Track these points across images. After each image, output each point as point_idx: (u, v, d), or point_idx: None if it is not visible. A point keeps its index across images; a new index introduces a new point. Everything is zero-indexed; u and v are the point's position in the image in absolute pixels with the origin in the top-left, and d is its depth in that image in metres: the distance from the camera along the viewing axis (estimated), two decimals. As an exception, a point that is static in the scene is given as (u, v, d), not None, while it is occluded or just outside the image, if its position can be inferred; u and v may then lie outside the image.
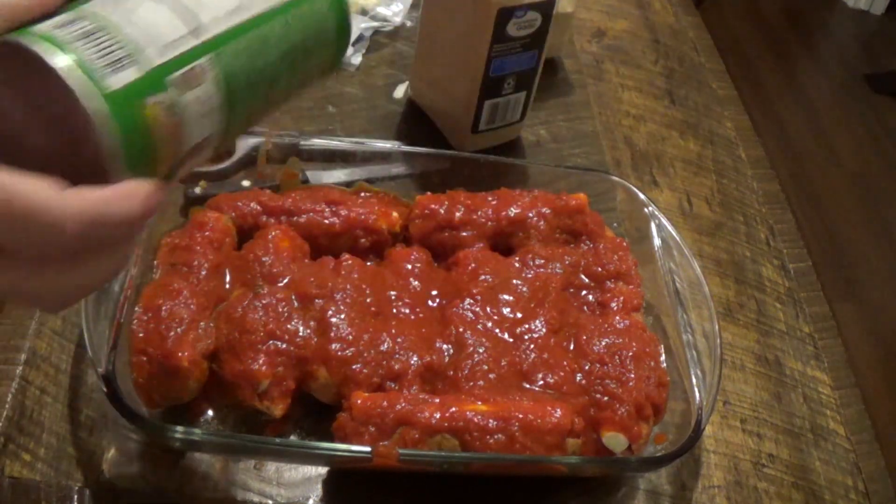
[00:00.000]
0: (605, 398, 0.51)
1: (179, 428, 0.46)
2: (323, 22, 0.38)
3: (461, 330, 0.54)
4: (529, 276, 0.58)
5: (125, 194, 0.30)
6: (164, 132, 0.31)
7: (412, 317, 0.55)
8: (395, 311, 0.55)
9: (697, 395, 0.52)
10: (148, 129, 0.30)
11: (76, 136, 0.29)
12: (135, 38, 0.30)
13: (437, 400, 0.49)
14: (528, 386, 0.52)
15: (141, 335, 0.49)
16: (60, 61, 0.29)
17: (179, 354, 0.49)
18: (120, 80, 0.29)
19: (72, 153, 0.30)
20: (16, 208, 0.27)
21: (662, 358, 0.55)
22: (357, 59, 0.83)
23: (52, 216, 0.28)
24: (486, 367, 0.52)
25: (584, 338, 0.54)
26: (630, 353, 0.53)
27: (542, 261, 0.59)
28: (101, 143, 0.29)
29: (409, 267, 0.58)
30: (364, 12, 0.88)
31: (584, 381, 0.52)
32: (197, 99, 0.32)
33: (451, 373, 0.52)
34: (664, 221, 0.62)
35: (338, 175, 0.66)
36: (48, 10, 0.30)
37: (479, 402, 0.49)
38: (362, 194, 0.63)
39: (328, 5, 0.38)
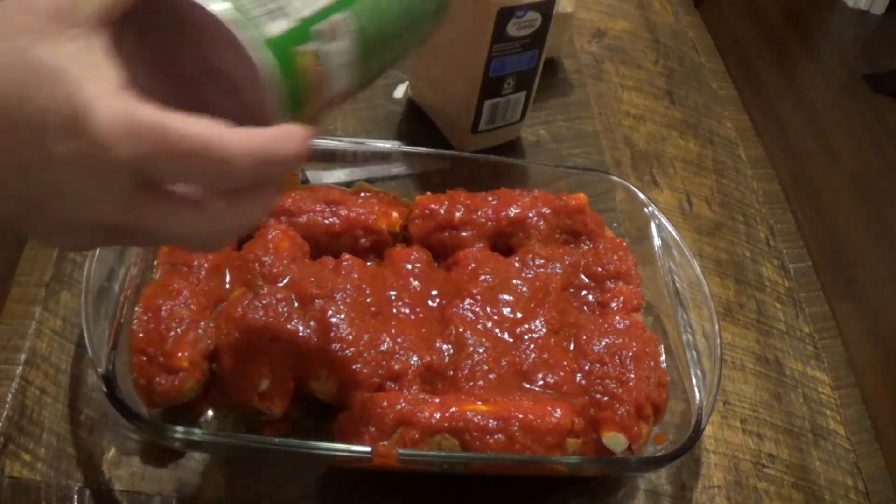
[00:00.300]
0: (605, 398, 0.51)
1: (179, 428, 0.46)
2: None
3: (461, 330, 0.54)
4: (529, 276, 0.58)
5: (287, 134, 0.31)
6: (313, 79, 0.34)
7: (412, 317, 0.55)
8: (395, 311, 0.55)
9: (697, 395, 0.52)
10: (301, 75, 0.33)
11: (238, 83, 0.32)
12: None
13: (437, 400, 0.49)
14: (528, 386, 0.52)
15: (141, 335, 0.49)
16: (224, 12, 0.31)
17: (179, 354, 0.49)
18: (276, 28, 0.32)
19: (232, 100, 0.32)
20: (187, 145, 0.29)
21: (662, 358, 0.55)
22: (357, 59, 0.83)
23: (224, 152, 0.29)
24: (486, 367, 0.52)
25: (584, 338, 0.54)
26: (630, 353, 0.53)
27: (542, 261, 0.59)
28: (264, 88, 0.31)
29: (409, 267, 0.58)
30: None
31: (584, 381, 0.52)
32: (338, 51, 0.35)
33: (451, 373, 0.52)
34: (664, 221, 0.62)
35: (338, 175, 0.66)
36: None
37: (479, 402, 0.49)
38: (362, 194, 0.63)
39: None
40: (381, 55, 0.39)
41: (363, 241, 0.60)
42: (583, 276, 0.60)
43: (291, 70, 0.32)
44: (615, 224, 0.66)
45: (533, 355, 0.53)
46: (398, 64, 0.42)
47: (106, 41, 0.30)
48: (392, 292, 0.56)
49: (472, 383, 0.51)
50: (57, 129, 0.28)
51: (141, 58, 0.33)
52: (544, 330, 0.54)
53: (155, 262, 0.55)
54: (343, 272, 0.55)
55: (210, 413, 0.52)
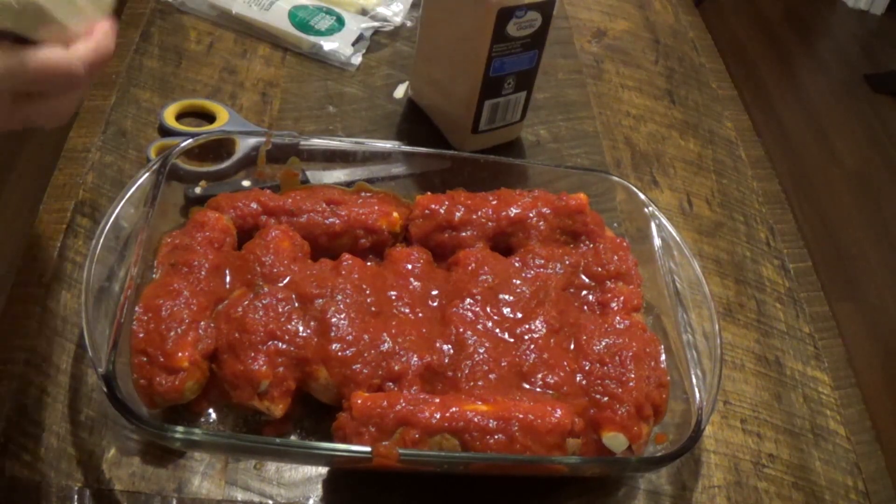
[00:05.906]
0: (606, 398, 0.51)
1: (179, 428, 0.46)
2: None
3: (461, 330, 0.54)
4: (529, 276, 0.58)
5: (104, 32, 0.43)
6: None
7: (412, 317, 0.55)
8: (395, 311, 0.55)
9: (697, 395, 0.52)
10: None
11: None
12: None
13: (437, 400, 0.49)
14: (528, 386, 0.52)
15: (141, 335, 0.49)
16: None
17: (179, 354, 0.49)
18: None
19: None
20: (43, 69, 0.40)
21: (662, 358, 0.55)
22: (357, 59, 0.83)
23: (67, 66, 0.41)
24: (486, 368, 0.52)
25: (585, 338, 0.54)
26: (630, 354, 0.53)
27: (542, 261, 0.59)
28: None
29: (410, 267, 0.58)
30: (364, 12, 0.88)
31: (584, 382, 0.52)
32: None
33: (451, 373, 0.52)
34: (664, 221, 0.62)
35: (338, 175, 0.66)
36: None
37: (480, 402, 0.49)
38: (362, 194, 0.63)
39: None
40: None
41: (363, 241, 0.60)
42: (583, 276, 0.60)
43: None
44: (615, 224, 0.66)
45: (533, 355, 0.53)
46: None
47: None
48: (392, 292, 0.56)
49: (472, 383, 0.51)
50: None
51: None
52: (544, 330, 0.54)
53: (155, 262, 0.55)
54: (343, 272, 0.55)
55: (210, 413, 0.52)
